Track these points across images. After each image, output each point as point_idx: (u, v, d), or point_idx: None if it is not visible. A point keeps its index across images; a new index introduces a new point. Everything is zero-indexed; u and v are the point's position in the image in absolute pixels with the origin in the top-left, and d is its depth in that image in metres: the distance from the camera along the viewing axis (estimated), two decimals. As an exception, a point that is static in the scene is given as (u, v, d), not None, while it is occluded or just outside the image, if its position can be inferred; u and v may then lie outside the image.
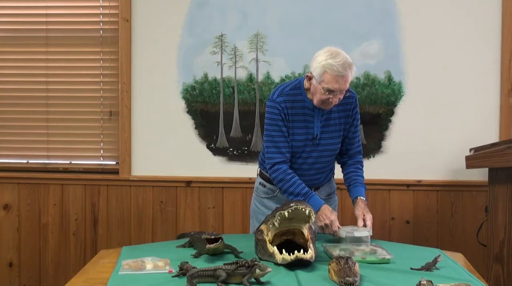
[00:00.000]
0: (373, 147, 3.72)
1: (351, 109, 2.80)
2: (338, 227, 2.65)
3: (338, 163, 2.97)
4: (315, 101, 2.69)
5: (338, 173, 3.07)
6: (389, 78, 3.69)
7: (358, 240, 2.59)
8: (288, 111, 2.73)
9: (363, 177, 2.89)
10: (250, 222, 3.08)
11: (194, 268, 2.13)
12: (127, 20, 3.77)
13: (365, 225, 2.68)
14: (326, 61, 2.58)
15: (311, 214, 2.32)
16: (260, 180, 2.97)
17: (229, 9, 3.73)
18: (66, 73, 3.90)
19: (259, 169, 3.00)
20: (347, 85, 2.63)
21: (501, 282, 3.11)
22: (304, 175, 2.80)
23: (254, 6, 3.71)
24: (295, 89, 2.76)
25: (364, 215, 2.71)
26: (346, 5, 3.67)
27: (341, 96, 2.65)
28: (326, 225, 2.66)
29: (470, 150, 3.46)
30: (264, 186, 2.94)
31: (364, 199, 2.80)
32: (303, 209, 2.30)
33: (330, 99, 2.63)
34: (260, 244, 2.41)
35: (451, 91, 3.67)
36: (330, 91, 2.60)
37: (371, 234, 2.63)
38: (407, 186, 3.72)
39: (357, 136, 2.90)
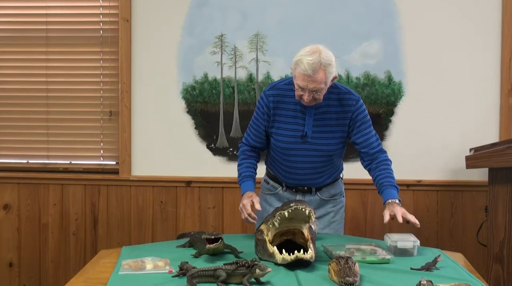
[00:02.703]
0: (373, 146, 3.72)
1: (352, 112, 2.74)
2: (252, 213, 2.63)
3: (365, 169, 2.87)
4: (295, 96, 2.66)
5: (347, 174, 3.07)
6: (389, 78, 3.69)
7: (403, 252, 2.47)
8: (276, 105, 2.74)
9: (390, 177, 2.75)
10: None
11: (194, 268, 2.13)
12: (127, 20, 3.77)
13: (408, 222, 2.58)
14: (300, 57, 2.56)
15: (311, 214, 2.32)
16: (265, 177, 3.00)
17: (229, 9, 3.73)
18: (66, 73, 3.90)
19: (266, 167, 3.02)
20: (317, 86, 2.55)
21: (501, 282, 3.12)
22: (299, 174, 2.81)
23: (254, 6, 3.71)
24: (289, 84, 2.74)
25: (404, 215, 2.57)
26: (346, 5, 3.68)
27: (317, 96, 2.59)
28: (241, 209, 2.67)
29: (470, 150, 3.47)
30: (268, 183, 2.96)
31: (396, 200, 2.64)
32: (303, 209, 2.30)
33: (303, 96, 2.60)
34: (260, 244, 2.41)
35: (451, 91, 3.67)
36: (299, 87, 2.59)
37: (418, 244, 2.50)
38: (407, 186, 3.72)
39: (370, 138, 2.79)
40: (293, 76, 2.62)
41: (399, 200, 2.66)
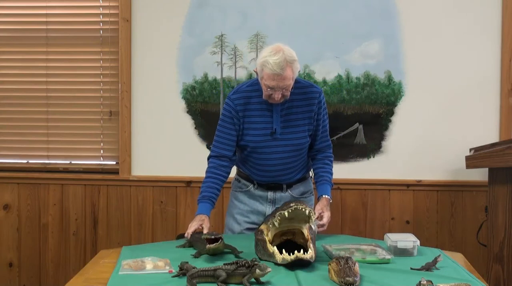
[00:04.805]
0: (373, 146, 3.72)
1: (315, 104, 2.81)
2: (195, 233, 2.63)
3: (309, 157, 2.98)
4: (263, 96, 2.72)
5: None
6: (389, 78, 3.69)
7: (403, 252, 2.49)
8: (242, 107, 2.78)
9: (331, 174, 2.92)
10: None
11: (194, 268, 2.13)
12: (127, 20, 3.77)
13: (321, 220, 2.72)
14: (265, 58, 2.62)
15: (311, 214, 2.33)
16: (236, 176, 3.02)
17: (229, 9, 3.73)
18: (66, 73, 3.90)
19: (237, 167, 3.03)
20: (287, 83, 2.64)
21: (501, 282, 3.12)
22: (271, 171, 2.85)
23: (254, 6, 3.71)
24: (252, 85, 2.80)
25: (322, 211, 2.74)
26: (346, 5, 3.67)
27: (287, 93, 2.68)
28: (188, 227, 2.65)
29: (470, 150, 3.47)
30: (239, 181, 2.99)
31: (329, 197, 2.83)
32: (303, 209, 2.31)
33: (273, 95, 2.66)
34: (260, 244, 2.41)
35: (451, 91, 3.67)
36: (269, 87, 2.65)
37: (418, 244, 2.52)
38: (407, 186, 3.72)
39: (324, 132, 2.90)
40: (260, 78, 2.68)
41: (330, 197, 2.84)
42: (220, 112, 2.89)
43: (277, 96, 2.66)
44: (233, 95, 2.81)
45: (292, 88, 2.70)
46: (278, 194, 2.91)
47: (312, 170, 2.96)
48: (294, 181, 2.92)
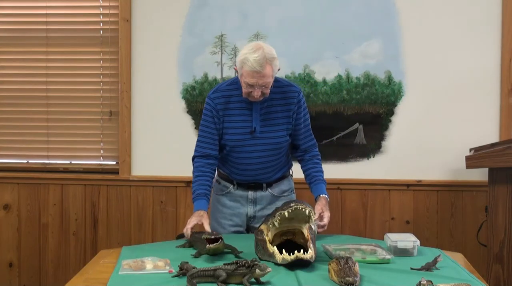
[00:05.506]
0: (373, 147, 3.72)
1: (294, 103, 2.82)
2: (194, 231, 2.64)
3: (296, 158, 2.98)
4: (242, 94, 2.73)
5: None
6: (389, 78, 3.69)
7: (403, 252, 2.49)
8: (222, 106, 2.80)
9: (322, 172, 2.93)
10: None
11: (194, 268, 2.13)
12: (127, 20, 3.77)
13: (321, 220, 2.72)
14: (245, 55, 2.64)
15: (311, 214, 2.33)
16: (217, 177, 3.02)
17: (229, 9, 3.73)
18: (66, 73, 3.90)
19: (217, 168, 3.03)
20: (266, 81, 2.65)
21: (501, 282, 3.12)
22: (251, 170, 2.86)
23: (254, 6, 3.71)
24: (231, 84, 2.82)
25: (322, 212, 2.75)
26: (346, 5, 3.67)
27: (266, 91, 2.69)
28: (187, 223, 2.67)
29: (470, 150, 3.47)
30: (219, 183, 2.99)
31: (326, 196, 2.84)
32: (303, 209, 2.31)
33: (252, 93, 2.68)
34: (260, 244, 2.41)
35: (451, 91, 3.67)
36: (249, 85, 2.66)
37: (418, 244, 2.52)
38: (407, 186, 3.72)
39: (307, 131, 2.91)
40: (240, 75, 2.69)
41: (327, 195, 2.86)
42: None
43: (257, 93, 2.67)
44: (213, 95, 2.83)
45: (272, 86, 2.71)
46: (259, 193, 2.92)
47: (303, 172, 2.95)
48: (274, 180, 2.93)
